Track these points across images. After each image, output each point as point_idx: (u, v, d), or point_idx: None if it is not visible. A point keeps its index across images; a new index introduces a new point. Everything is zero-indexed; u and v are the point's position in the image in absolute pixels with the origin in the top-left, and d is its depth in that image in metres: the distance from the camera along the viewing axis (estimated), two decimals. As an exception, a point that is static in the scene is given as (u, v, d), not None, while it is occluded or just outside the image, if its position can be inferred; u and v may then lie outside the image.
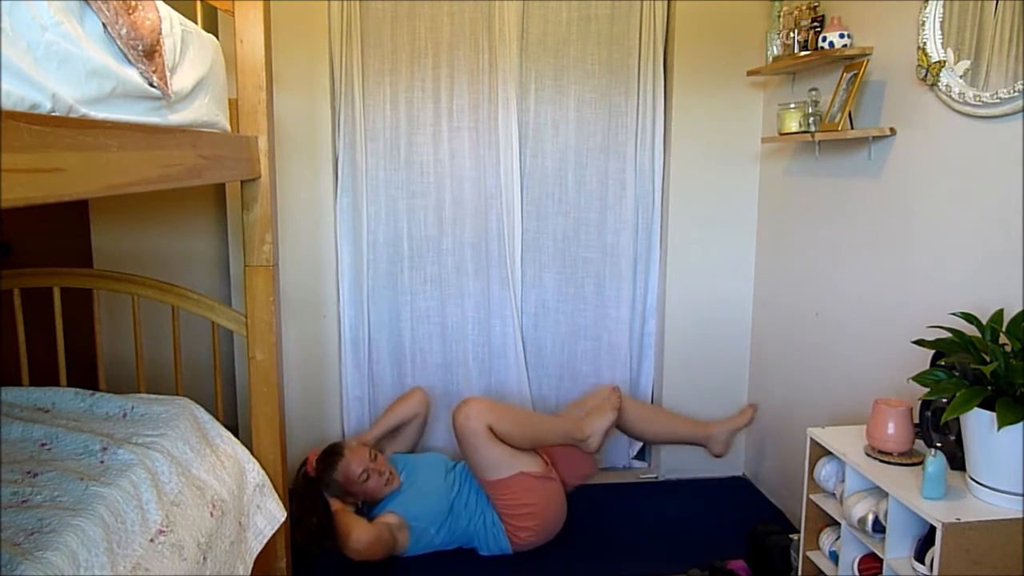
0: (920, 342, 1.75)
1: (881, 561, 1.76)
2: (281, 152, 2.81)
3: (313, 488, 2.56)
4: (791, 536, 2.38)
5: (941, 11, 1.97)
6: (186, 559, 1.64)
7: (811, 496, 2.06)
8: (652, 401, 3.24)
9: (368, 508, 2.59)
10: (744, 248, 3.09)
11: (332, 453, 2.59)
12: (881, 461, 1.83)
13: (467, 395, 3.07)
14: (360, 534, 2.39)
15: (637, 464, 3.25)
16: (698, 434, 2.87)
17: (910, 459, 1.82)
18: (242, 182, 2.10)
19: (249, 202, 2.13)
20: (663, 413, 3.01)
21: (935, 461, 1.62)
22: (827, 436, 2.01)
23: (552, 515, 2.59)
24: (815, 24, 2.45)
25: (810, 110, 2.49)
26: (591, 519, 2.80)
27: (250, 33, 2.05)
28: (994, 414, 1.47)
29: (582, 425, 2.65)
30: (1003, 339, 1.64)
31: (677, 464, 3.15)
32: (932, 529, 1.56)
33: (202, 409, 2.17)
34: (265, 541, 2.09)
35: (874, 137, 2.25)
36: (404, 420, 2.86)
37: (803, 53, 2.46)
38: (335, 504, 2.53)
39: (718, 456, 2.88)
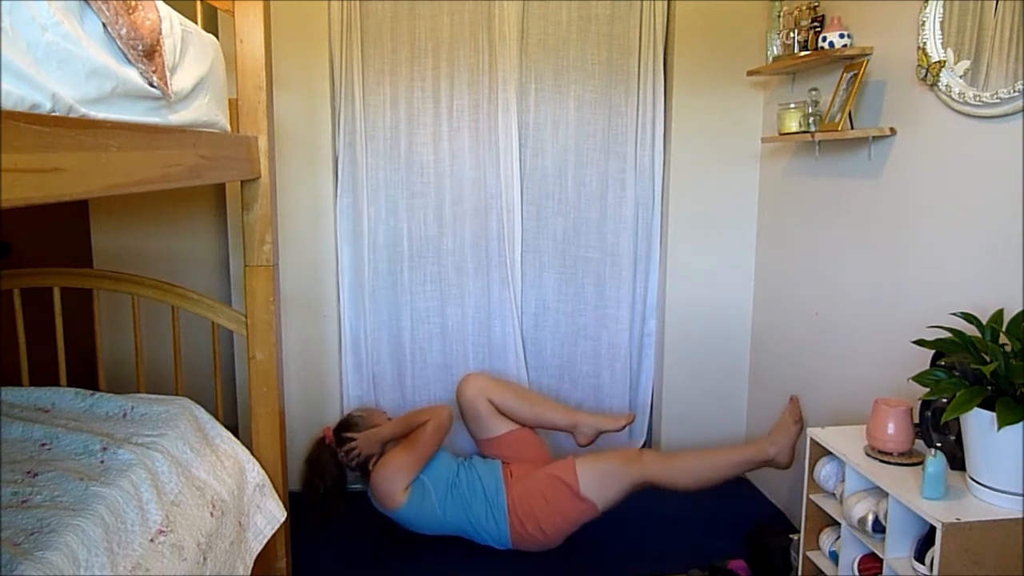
0: (920, 342, 1.75)
1: (881, 561, 1.76)
2: (281, 152, 2.81)
3: (326, 454, 2.65)
4: (791, 536, 2.38)
5: (941, 11, 1.97)
6: (186, 559, 1.64)
7: (811, 496, 2.06)
8: (652, 401, 3.23)
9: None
10: (744, 248, 3.09)
11: (352, 412, 2.81)
12: (881, 461, 1.83)
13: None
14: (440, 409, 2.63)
15: (637, 464, 3.24)
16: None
17: (910, 459, 1.82)
18: (242, 182, 2.10)
19: (249, 202, 2.13)
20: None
21: (935, 461, 1.62)
22: (827, 436, 2.01)
23: (562, 532, 2.54)
24: (815, 24, 2.45)
25: (810, 110, 2.49)
26: (591, 519, 2.80)
27: (250, 33, 2.05)
28: (994, 414, 1.47)
29: (765, 444, 2.52)
30: (1003, 339, 1.64)
31: (677, 464, 3.14)
32: (932, 529, 1.56)
33: (202, 409, 2.17)
34: (265, 541, 2.09)
35: (874, 137, 2.25)
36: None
37: (803, 53, 2.46)
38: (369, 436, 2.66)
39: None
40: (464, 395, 2.73)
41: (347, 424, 2.72)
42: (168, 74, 1.48)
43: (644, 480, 2.51)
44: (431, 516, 2.54)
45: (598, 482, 2.50)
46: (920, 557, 1.63)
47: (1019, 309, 1.65)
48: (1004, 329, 1.64)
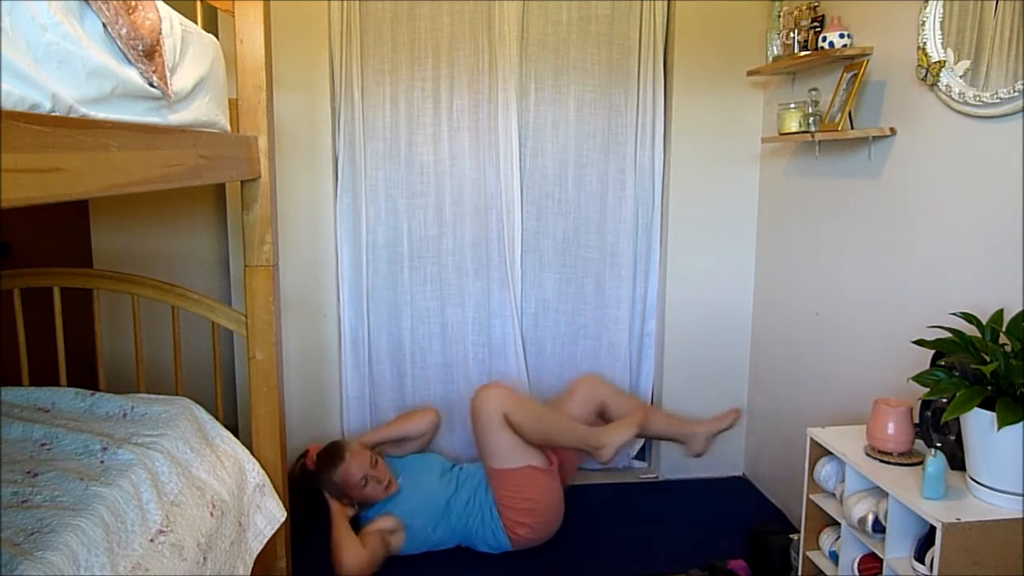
0: (920, 342, 1.75)
1: (881, 561, 1.76)
2: (281, 152, 2.81)
3: (308, 481, 2.58)
4: (791, 536, 2.38)
5: (941, 11, 1.97)
6: (186, 559, 1.64)
7: (811, 496, 2.06)
8: (652, 401, 3.23)
9: (365, 508, 2.59)
10: (744, 248, 3.09)
11: (333, 455, 2.58)
12: (881, 461, 1.83)
13: (467, 395, 3.07)
14: (351, 559, 2.38)
15: (637, 464, 3.25)
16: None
17: (910, 459, 1.83)
18: (242, 182, 2.10)
19: (249, 202, 2.13)
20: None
21: (935, 461, 1.62)
22: (827, 436, 2.01)
23: (551, 512, 2.59)
24: (815, 24, 2.45)
25: (810, 110, 2.49)
26: (591, 519, 2.80)
27: (250, 33, 2.05)
28: (994, 414, 1.47)
29: (599, 434, 2.62)
30: (1003, 339, 1.64)
31: (677, 464, 3.15)
32: (932, 529, 1.56)
33: (202, 409, 2.17)
34: (265, 541, 2.09)
35: (874, 137, 2.25)
36: (411, 436, 2.87)
37: (803, 53, 2.46)
38: (333, 505, 2.53)
39: (697, 455, 2.77)
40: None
41: (323, 480, 2.56)
42: (168, 74, 1.48)
43: (502, 412, 2.53)
44: (434, 541, 2.56)
45: (504, 449, 2.54)
46: (920, 557, 1.63)
47: (1019, 309, 1.65)
48: (1004, 329, 1.64)
